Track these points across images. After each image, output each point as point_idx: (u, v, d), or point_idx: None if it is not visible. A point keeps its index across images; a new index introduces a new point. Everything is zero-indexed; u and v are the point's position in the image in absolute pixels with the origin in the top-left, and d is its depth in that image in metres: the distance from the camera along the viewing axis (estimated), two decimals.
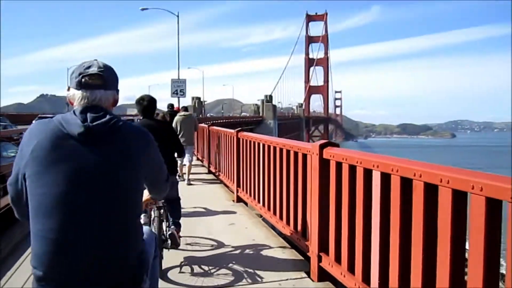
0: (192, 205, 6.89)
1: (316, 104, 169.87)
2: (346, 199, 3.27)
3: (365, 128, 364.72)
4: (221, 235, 5.22)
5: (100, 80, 1.73)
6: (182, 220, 4.74)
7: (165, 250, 4.16)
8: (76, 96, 1.73)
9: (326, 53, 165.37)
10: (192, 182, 9.36)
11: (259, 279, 3.87)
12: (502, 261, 1.97)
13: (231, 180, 7.83)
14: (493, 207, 1.92)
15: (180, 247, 4.55)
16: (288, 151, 4.60)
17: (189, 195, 7.70)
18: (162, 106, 11.37)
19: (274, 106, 67.00)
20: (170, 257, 4.26)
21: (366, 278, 2.98)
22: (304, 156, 4.14)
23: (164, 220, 4.26)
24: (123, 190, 1.69)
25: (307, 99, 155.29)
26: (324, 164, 3.63)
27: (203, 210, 6.76)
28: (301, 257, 4.33)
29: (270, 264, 4.25)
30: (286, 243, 4.83)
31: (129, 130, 1.77)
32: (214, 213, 6.51)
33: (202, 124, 12.99)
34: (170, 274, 3.98)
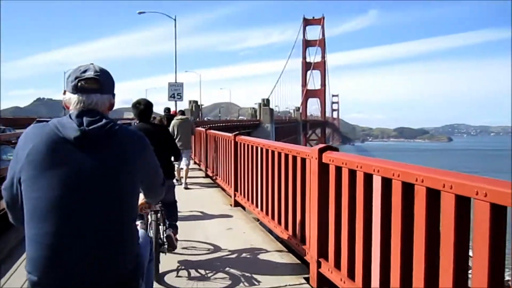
0: (189, 210, 6.85)
1: (313, 107, 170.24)
2: (346, 204, 3.23)
3: (362, 131, 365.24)
4: (219, 240, 5.18)
5: (96, 84, 1.72)
6: (179, 225, 4.71)
7: (162, 254, 4.13)
8: (72, 100, 1.72)
9: (323, 57, 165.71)
10: (189, 186, 9.32)
11: (257, 284, 3.83)
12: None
13: (228, 184, 7.78)
14: (498, 213, 1.88)
15: (177, 251, 4.54)
16: (286, 155, 4.56)
17: (187, 199, 7.65)
18: (159, 109, 11.32)
19: (271, 110, 67.03)
20: (167, 261, 4.24)
21: (367, 285, 2.94)
22: (303, 160, 4.10)
23: (161, 224, 4.24)
24: (119, 194, 1.68)
25: (304, 102, 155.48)
26: (323, 168, 3.59)
27: (200, 214, 6.71)
28: (300, 262, 4.29)
29: (268, 269, 4.21)
30: (284, 248, 4.79)
31: (125, 134, 1.75)
32: (211, 218, 6.46)
33: (200, 128, 12.96)
34: (167, 278, 3.96)
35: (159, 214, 4.13)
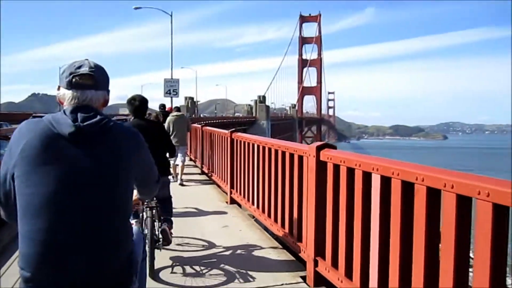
0: (185, 207, 6.81)
1: (309, 105, 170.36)
2: (343, 203, 3.19)
3: (357, 129, 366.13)
4: (214, 237, 5.15)
5: (91, 80, 1.71)
6: (175, 221, 4.71)
7: (157, 251, 4.12)
8: (67, 95, 1.71)
9: (319, 54, 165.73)
10: (184, 183, 9.28)
11: (252, 281, 3.82)
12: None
13: (224, 182, 7.74)
14: (500, 213, 1.85)
15: (172, 248, 4.55)
16: (283, 153, 4.52)
17: (182, 196, 7.62)
18: (154, 105, 11.27)
19: (267, 107, 66.93)
20: (162, 258, 4.25)
21: (365, 284, 2.90)
22: (300, 158, 4.06)
23: (156, 220, 4.23)
24: (113, 191, 1.67)
25: (300, 100, 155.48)
26: (321, 166, 3.55)
27: (196, 211, 6.67)
28: (296, 261, 4.25)
29: (264, 267, 4.17)
30: (281, 246, 4.75)
31: (120, 131, 1.74)
32: (207, 215, 6.42)
33: (195, 124, 12.91)
34: (161, 275, 3.97)
35: (154, 211, 4.14)
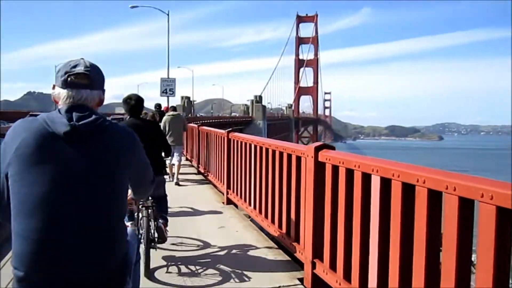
0: (181, 207, 6.77)
1: (306, 105, 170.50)
2: (342, 204, 3.15)
3: (354, 129, 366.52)
4: (211, 238, 5.10)
5: (86, 80, 1.72)
6: (171, 222, 4.72)
7: (152, 250, 4.10)
8: (62, 95, 1.71)
9: (316, 54, 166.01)
10: (181, 183, 9.23)
11: (248, 281, 3.80)
12: None
13: (221, 182, 7.69)
14: (504, 216, 1.81)
15: (168, 248, 4.57)
16: (281, 153, 4.47)
17: (178, 196, 7.57)
18: (150, 105, 11.21)
19: (264, 107, 66.96)
20: (157, 258, 4.25)
21: (363, 287, 2.86)
22: (298, 159, 4.02)
23: (152, 220, 4.22)
24: (108, 190, 1.67)
25: (297, 100, 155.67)
26: (319, 167, 3.50)
27: (192, 212, 6.62)
28: (293, 263, 4.21)
29: (261, 268, 4.13)
30: (278, 247, 4.71)
31: (115, 130, 1.75)
32: (203, 216, 6.37)
33: (192, 124, 12.85)
34: (157, 274, 3.96)
35: (150, 210, 4.14)
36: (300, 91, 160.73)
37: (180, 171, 9.61)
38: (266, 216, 5.02)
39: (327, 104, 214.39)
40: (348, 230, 3.06)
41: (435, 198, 2.22)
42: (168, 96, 22.27)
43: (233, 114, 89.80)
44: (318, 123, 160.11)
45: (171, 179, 9.19)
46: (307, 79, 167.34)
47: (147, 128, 4.46)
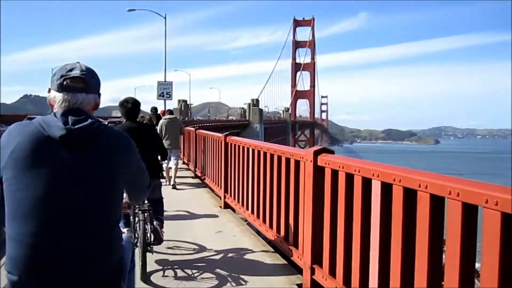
0: (178, 211, 6.73)
1: (303, 108, 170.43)
2: (342, 209, 3.10)
3: (350, 133, 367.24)
4: (208, 243, 5.05)
5: (82, 84, 1.72)
6: (168, 226, 4.70)
7: (148, 254, 4.08)
8: (57, 98, 1.71)
9: (312, 58, 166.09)
10: (177, 186, 9.18)
11: (245, 285, 3.77)
12: None
13: (218, 186, 7.63)
14: (509, 222, 1.77)
15: (164, 252, 4.58)
16: (279, 157, 4.43)
17: (175, 200, 7.52)
18: (148, 108, 11.15)
19: (261, 110, 66.87)
20: (153, 262, 4.24)
21: None
22: (297, 163, 3.97)
23: (148, 223, 4.21)
24: (103, 194, 1.67)
25: (294, 103, 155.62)
26: (318, 171, 3.46)
27: (189, 216, 6.57)
28: (292, 268, 4.16)
29: (260, 275, 4.07)
30: (276, 252, 4.65)
31: (111, 135, 1.75)
32: (200, 220, 6.32)
33: (189, 128, 12.81)
34: (153, 278, 3.95)
35: (146, 214, 4.13)
36: (297, 95, 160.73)
37: (177, 175, 9.57)
38: (264, 221, 4.97)
39: (324, 107, 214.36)
40: (348, 236, 3.02)
41: (437, 203, 2.18)
42: (165, 100, 22.27)
43: (230, 117, 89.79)
44: (315, 127, 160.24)
45: (167, 183, 9.14)
46: (304, 82, 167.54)
47: (143, 131, 4.50)
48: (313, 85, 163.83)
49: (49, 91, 1.74)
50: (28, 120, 1.80)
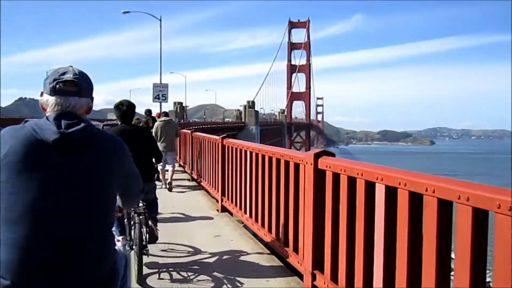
0: (174, 215, 6.64)
1: (298, 110, 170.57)
2: (344, 214, 3.02)
3: (346, 134, 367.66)
4: (205, 247, 4.98)
5: (74, 87, 1.72)
6: (164, 229, 4.73)
7: (144, 257, 4.07)
8: (50, 102, 1.71)
9: (308, 59, 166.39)
10: (174, 189, 9.09)
11: None
12: None
13: (215, 189, 7.54)
14: None
15: (160, 254, 4.60)
16: (278, 160, 4.35)
17: (172, 203, 7.43)
18: (143, 111, 11.04)
19: (257, 112, 66.84)
20: (149, 264, 4.23)
21: None
22: (296, 166, 3.89)
23: (144, 226, 4.18)
24: (96, 198, 1.66)
25: (289, 105, 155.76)
26: (319, 175, 3.38)
27: (185, 219, 6.49)
28: (292, 273, 4.07)
29: (259, 281, 3.99)
30: (275, 257, 4.56)
31: (104, 139, 1.75)
32: (197, 224, 6.23)
33: (185, 130, 12.71)
34: (149, 280, 3.92)
35: (142, 216, 4.12)
36: (293, 97, 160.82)
37: (173, 177, 9.47)
38: (262, 225, 4.88)
39: (319, 109, 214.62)
40: (351, 241, 2.93)
41: (445, 208, 2.10)
42: (160, 102, 22.14)
43: (226, 119, 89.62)
44: (311, 128, 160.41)
45: (163, 186, 9.05)
46: (299, 84, 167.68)
47: (138, 134, 4.51)
48: (308, 86, 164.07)
49: (41, 94, 1.74)
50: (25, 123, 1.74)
